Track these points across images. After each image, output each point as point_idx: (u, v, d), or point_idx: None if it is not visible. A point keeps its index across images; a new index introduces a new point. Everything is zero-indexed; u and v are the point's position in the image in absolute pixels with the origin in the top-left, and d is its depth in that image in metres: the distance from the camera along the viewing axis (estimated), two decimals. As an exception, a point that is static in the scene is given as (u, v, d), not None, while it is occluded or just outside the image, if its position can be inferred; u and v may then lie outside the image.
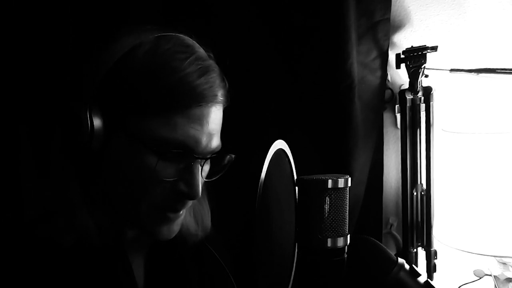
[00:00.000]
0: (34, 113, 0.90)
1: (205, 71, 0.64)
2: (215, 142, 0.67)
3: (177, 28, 0.68)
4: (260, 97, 1.11)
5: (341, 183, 0.73)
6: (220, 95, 0.66)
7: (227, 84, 0.70)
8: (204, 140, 0.64)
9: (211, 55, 0.69)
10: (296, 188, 0.78)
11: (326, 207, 0.73)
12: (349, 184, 0.75)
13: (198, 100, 0.63)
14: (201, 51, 0.67)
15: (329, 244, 0.73)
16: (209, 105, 0.64)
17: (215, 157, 0.70)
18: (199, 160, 0.65)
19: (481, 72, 1.20)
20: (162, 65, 0.62)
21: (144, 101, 0.62)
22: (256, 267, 0.75)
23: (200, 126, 0.64)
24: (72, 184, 0.65)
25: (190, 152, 0.64)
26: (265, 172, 0.75)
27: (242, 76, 1.07)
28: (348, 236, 0.75)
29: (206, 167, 0.70)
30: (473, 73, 1.21)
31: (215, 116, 0.66)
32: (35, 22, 0.88)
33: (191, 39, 0.68)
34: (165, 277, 0.75)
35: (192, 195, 0.65)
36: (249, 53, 1.09)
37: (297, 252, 0.81)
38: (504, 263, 1.17)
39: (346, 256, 0.75)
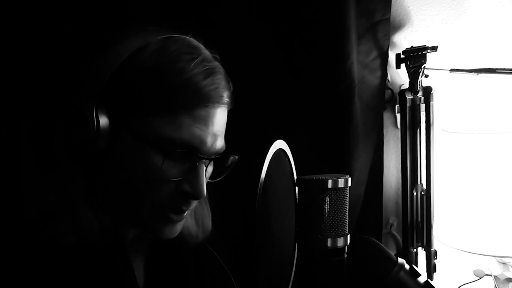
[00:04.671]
0: (35, 112, 0.90)
1: (211, 73, 0.65)
2: (220, 143, 0.68)
3: (183, 29, 0.69)
4: (260, 97, 1.11)
5: (341, 183, 0.73)
6: (226, 96, 0.67)
7: (231, 86, 0.70)
8: (209, 140, 0.65)
9: (217, 56, 0.70)
10: (296, 188, 0.78)
11: (326, 207, 0.73)
12: (349, 184, 0.75)
13: (204, 101, 0.64)
14: (207, 52, 0.68)
15: (329, 244, 0.73)
16: (215, 106, 0.65)
17: (219, 158, 0.70)
18: (204, 160, 0.66)
19: (481, 72, 1.20)
20: (168, 66, 0.63)
21: (150, 101, 0.62)
22: (256, 267, 0.75)
23: (205, 127, 0.64)
24: (76, 183, 0.65)
25: (195, 152, 0.65)
26: (265, 172, 0.75)
27: (242, 76, 1.08)
28: (348, 236, 0.75)
29: (210, 168, 0.70)
30: (473, 73, 1.21)
31: (220, 117, 0.66)
32: (42, 21, 0.88)
33: (196, 41, 0.69)
34: (165, 278, 0.75)
35: (196, 195, 0.65)
36: (250, 53, 1.09)
37: (297, 252, 0.81)
38: (504, 263, 1.17)
39: (346, 256, 0.75)
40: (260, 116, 1.11)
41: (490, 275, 1.16)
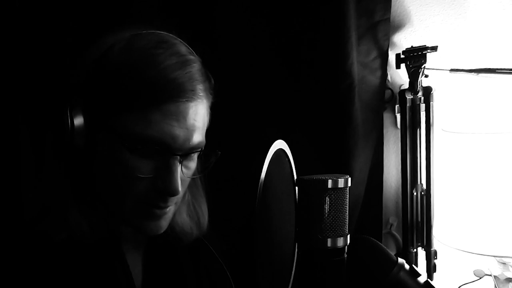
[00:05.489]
0: (33, 114, 0.91)
1: (181, 66, 0.64)
2: (197, 138, 0.67)
3: (161, 26, 0.69)
4: (260, 97, 1.11)
5: (341, 183, 0.73)
6: (199, 90, 0.65)
7: (212, 80, 0.69)
8: (181, 136, 0.64)
9: (193, 51, 0.69)
10: (296, 188, 0.78)
11: (326, 207, 0.73)
12: (349, 184, 0.75)
13: (174, 94, 0.63)
14: (180, 47, 0.67)
15: (329, 244, 0.73)
16: (186, 100, 0.64)
17: (201, 154, 0.70)
18: (177, 156, 0.65)
19: (481, 72, 1.20)
20: (136, 61, 0.63)
21: (119, 98, 0.63)
22: (256, 267, 0.75)
23: (176, 122, 0.63)
24: (63, 182, 0.66)
25: (167, 149, 0.64)
26: (265, 172, 0.75)
27: (242, 76, 1.08)
28: (348, 236, 0.75)
29: (191, 164, 0.70)
30: (473, 73, 1.21)
31: (193, 111, 0.65)
32: (21, 23, 0.90)
33: (171, 35, 0.68)
34: (163, 274, 0.76)
35: (170, 191, 0.65)
36: (250, 54, 1.09)
37: (297, 252, 0.81)
38: (504, 263, 1.17)
39: (346, 256, 0.75)
40: (260, 116, 1.11)
41: (490, 275, 1.16)
